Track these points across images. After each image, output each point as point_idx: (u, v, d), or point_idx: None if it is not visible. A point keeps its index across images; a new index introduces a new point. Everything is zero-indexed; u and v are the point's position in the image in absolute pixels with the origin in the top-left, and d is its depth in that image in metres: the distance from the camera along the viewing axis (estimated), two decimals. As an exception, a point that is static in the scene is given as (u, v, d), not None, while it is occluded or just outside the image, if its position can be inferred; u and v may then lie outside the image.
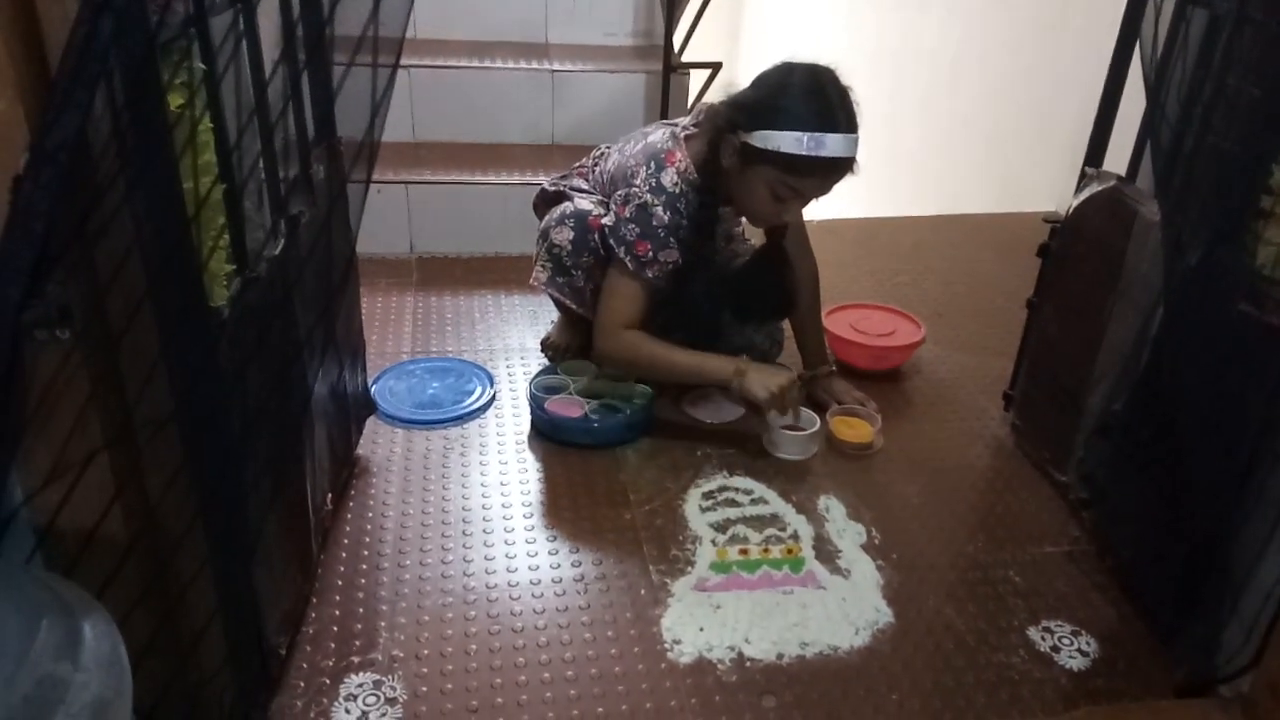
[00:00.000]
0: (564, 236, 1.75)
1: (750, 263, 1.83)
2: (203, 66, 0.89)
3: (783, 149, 1.54)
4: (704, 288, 1.73)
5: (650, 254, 1.66)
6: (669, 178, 1.65)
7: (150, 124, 0.73)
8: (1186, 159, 1.26)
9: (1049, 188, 2.99)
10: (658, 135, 1.71)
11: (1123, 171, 1.51)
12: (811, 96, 1.55)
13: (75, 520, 0.77)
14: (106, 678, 0.67)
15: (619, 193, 1.70)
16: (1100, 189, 1.52)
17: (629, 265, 1.67)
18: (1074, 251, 1.61)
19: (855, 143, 1.56)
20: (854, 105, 1.57)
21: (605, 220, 1.70)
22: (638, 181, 1.66)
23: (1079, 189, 1.58)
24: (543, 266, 1.80)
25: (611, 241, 1.68)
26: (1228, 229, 1.18)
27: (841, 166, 1.57)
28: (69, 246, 0.70)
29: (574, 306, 1.82)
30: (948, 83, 3.55)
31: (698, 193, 1.67)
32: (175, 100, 0.81)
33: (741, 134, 1.58)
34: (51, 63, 0.69)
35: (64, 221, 0.69)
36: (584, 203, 1.77)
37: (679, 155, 1.66)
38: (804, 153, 1.53)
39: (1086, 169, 1.58)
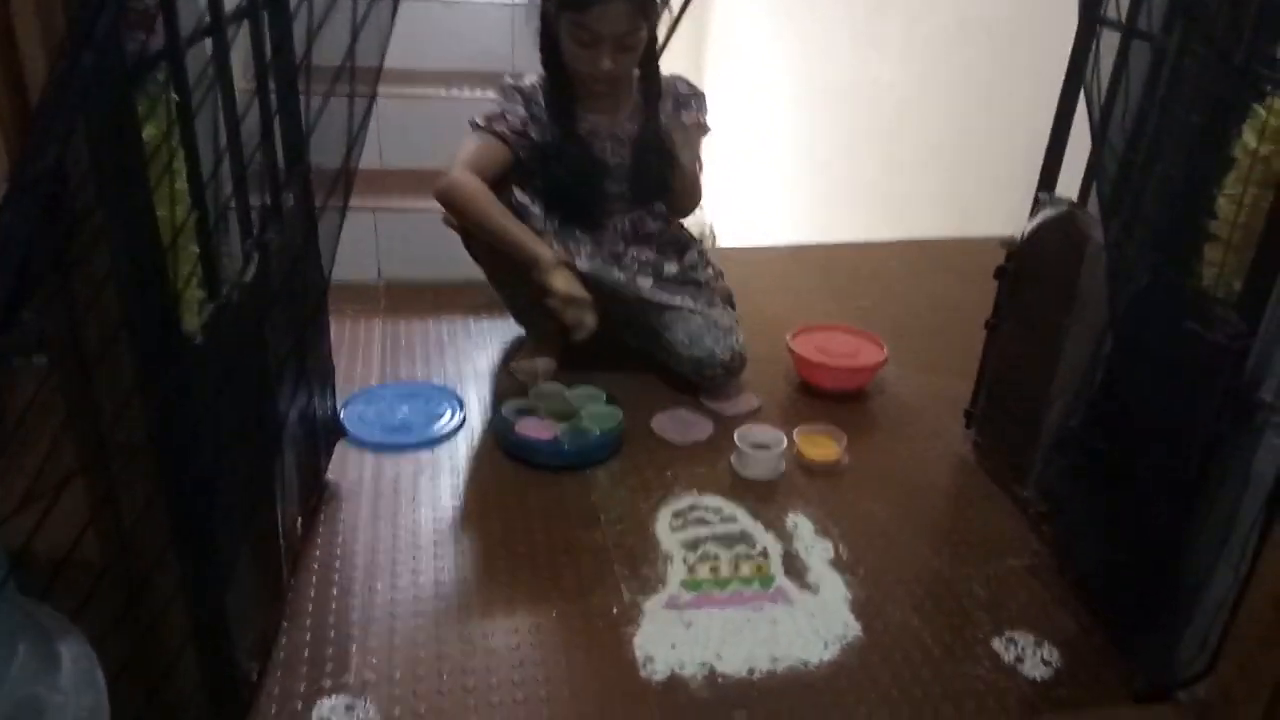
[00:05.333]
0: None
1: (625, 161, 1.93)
2: (176, 97, 0.91)
3: None
4: (575, 165, 1.86)
5: (498, 112, 1.83)
6: (525, 79, 1.87)
7: (127, 155, 0.75)
8: (1133, 186, 1.31)
9: (1006, 213, 3.05)
10: None
11: (1075, 196, 1.56)
12: None
13: (50, 545, 0.78)
14: (84, 699, 0.68)
15: None
16: (1053, 213, 1.57)
17: (477, 123, 1.83)
18: (1029, 274, 1.66)
19: None
20: None
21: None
22: None
23: (1033, 214, 1.63)
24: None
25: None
26: (1174, 251, 1.23)
27: (618, 3, 1.68)
28: (46, 274, 0.71)
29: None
30: (907, 113, 3.63)
31: (544, 65, 1.84)
32: (151, 130, 0.83)
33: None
34: (31, 94, 0.70)
35: (42, 250, 0.70)
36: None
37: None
38: None
39: (1040, 195, 1.63)
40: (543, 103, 1.87)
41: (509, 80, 1.89)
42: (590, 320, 1.81)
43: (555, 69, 1.84)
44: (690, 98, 1.96)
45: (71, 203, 0.72)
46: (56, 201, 0.70)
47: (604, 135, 1.91)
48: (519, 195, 1.83)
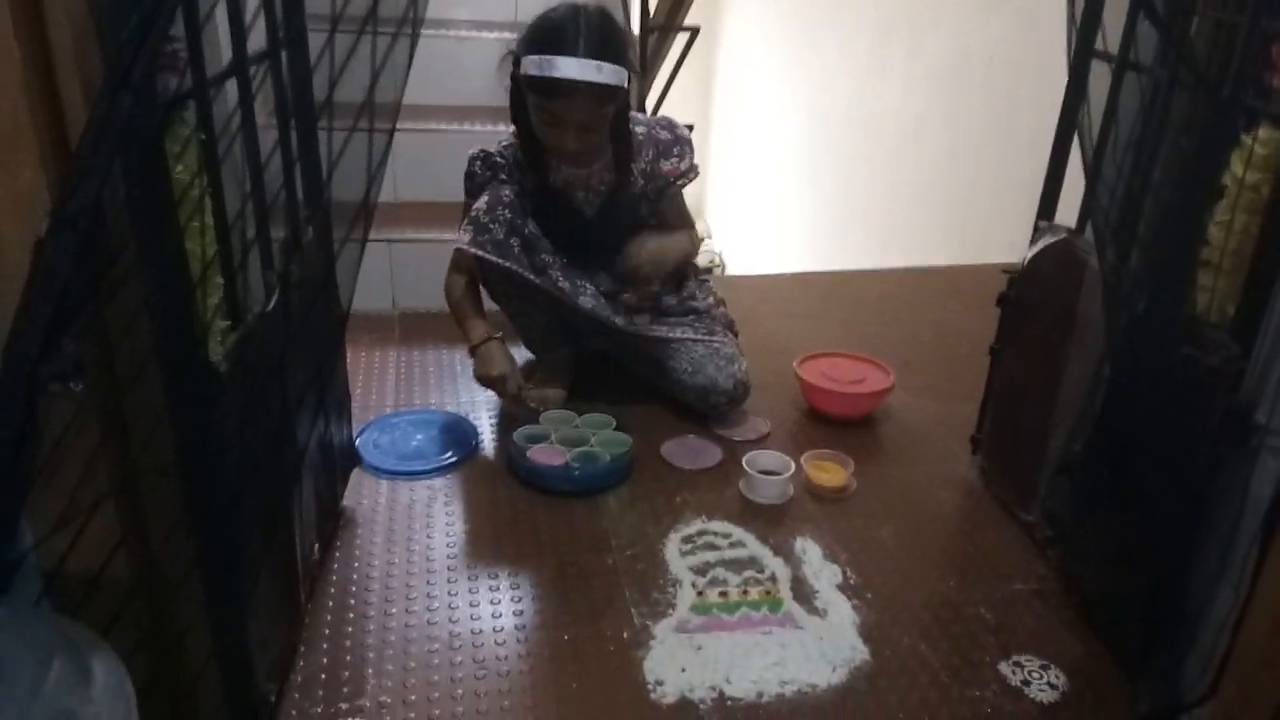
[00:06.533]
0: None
1: (599, 212, 1.96)
2: (202, 136, 0.95)
3: (528, 72, 1.70)
4: (551, 215, 1.91)
5: (466, 178, 1.94)
6: (499, 141, 1.94)
7: (160, 193, 0.79)
8: (1126, 214, 1.34)
9: (1009, 240, 3.10)
10: None
11: (1074, 223, 1.59)
12: (554, 23, 1.70)
13: (82, 564, 0.81)
14: (116, 711, 0.71)
15: None
16: (1052, 240, 1.61)
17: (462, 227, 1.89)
18: (1031, 301, 1.69)
19: (595, 68, 1.68)
20: (613, 36, 1.72)
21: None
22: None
23: (1033, 241, 1.66)
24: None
25: None
26: (1169, 278, 1.26)
27: (581, 90, 1.69)
28: (84, 305, 0.75)
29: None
30: (912, 142, 3.69)
31: (514, 122, 1.87)
32: (181, 170, 0.87)
33: (515, 68, 1.75)
34: (71, 135, 0.75)
35: (80, 281, 0.74)
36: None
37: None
38: (538, 74, 1.68)
39: (1039, 223, 1.66)
40: (509, 158, 1.92)
41: (472, 151, 1.95)
42: (514, 400, 1.91)
43: (524, 127, 1.85)
44: (673, 145, 1.94)
45: (107, 238, 0.76)
46: (94, 236, 0.74)
47: (578, 186, 1.93)
48: (531, 227, 1.88)
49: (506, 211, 1.85)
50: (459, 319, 1.97)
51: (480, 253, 1.83)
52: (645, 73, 2.70)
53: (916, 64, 3.65)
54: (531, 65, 1.69)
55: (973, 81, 3.31)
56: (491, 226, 1.83)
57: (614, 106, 1.79)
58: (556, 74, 1.67)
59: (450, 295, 1.98)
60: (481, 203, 1.87)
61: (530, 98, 1.76)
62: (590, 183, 1.93)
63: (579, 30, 1.68)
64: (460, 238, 1.86)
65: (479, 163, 1.93)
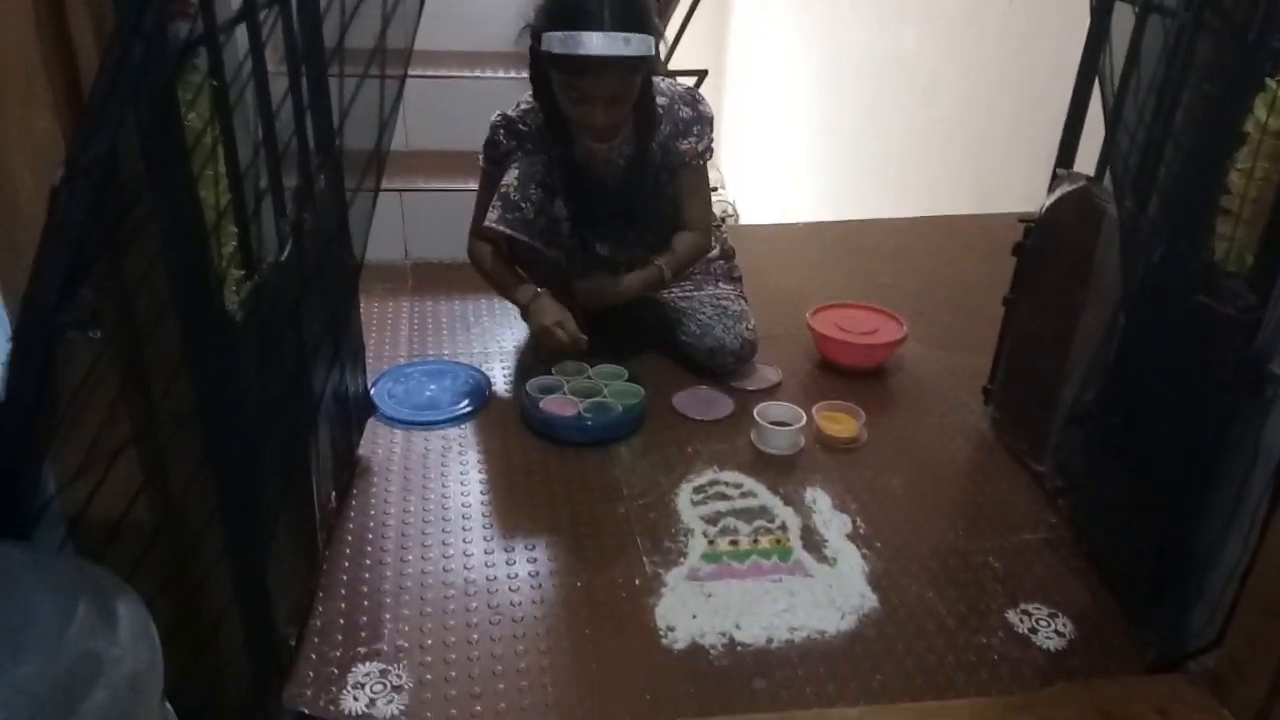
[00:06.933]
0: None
1: (621, 180, 1.92)
2: (214, 83, 0.95)
3: (552, 50, 1.63)
4: (572, 187, 1.87)
5: (483, 142, 1.90)
6: (519, 104, 1.88)
7: (173, 142, 0.79)
8: (1146, 161, 1.33)
9: (1025, 189, 3.06)
10: None
11: (1092, 172, 1.58)
12: None
13: (104, 510, 0.82)
14: (140, 653, 0.72)
15: None
16: (1070, 189, 1.59)
17: (479, 160, 1.90)
18: (1047, 250, 1.68)
19: (623, 41, 1.61)
20: (638, 5, 1.64)
21: None
22: None
23: (1050, 190, 1.64)
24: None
25: None
26: (1188, 225, 1.25)
27: (609, 65, 1.63)
28: (100, 254, 0.76)
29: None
30: (926, 90, 3.63)
31: (535, 96, 1.82)
32: (193, 118, 0.87)
33: (536, 42, 1.68)
34: (84, 83, 0.74)
35: (96, 230, 0.74)
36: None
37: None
38: (563, 51, 1.61)
39: (1057, 170, 1.64)
40: (531, 125, 1.86)
41: (495, 117, 1.90)
42: (571, 344, 1.87)
43: (547, 100, 1.79)
44: (693, 122, 1.89)
45: (122, 187, 0.76)
46: (108, 185, 0.74)
47: (600, 158, 1.89)
48: (558, 206, 1.86)
49: (539, 191, 1.82)
50: (500, 285, 1.97)
51: (510, 231, 1.82)
52: (663, 17, 2.66)
53: (933, 10, 3.58)
54: (555, 42, 1.62)
55: (990, 26, 3.25)
56: (523, 205, 1.81)
57: (642, 75, 1.74)
58: (582, 51, 1.60)
59: (481, 264, 1.97)
60: (512, 178, 1.83)
61: (554, 74, 1.70)
62: (611, 155, 1.89)
63: (601, 1, 1.61)
64: (489, 214, 1.83)
65: (502, 130, 1.88)
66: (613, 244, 1.98)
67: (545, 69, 1.72)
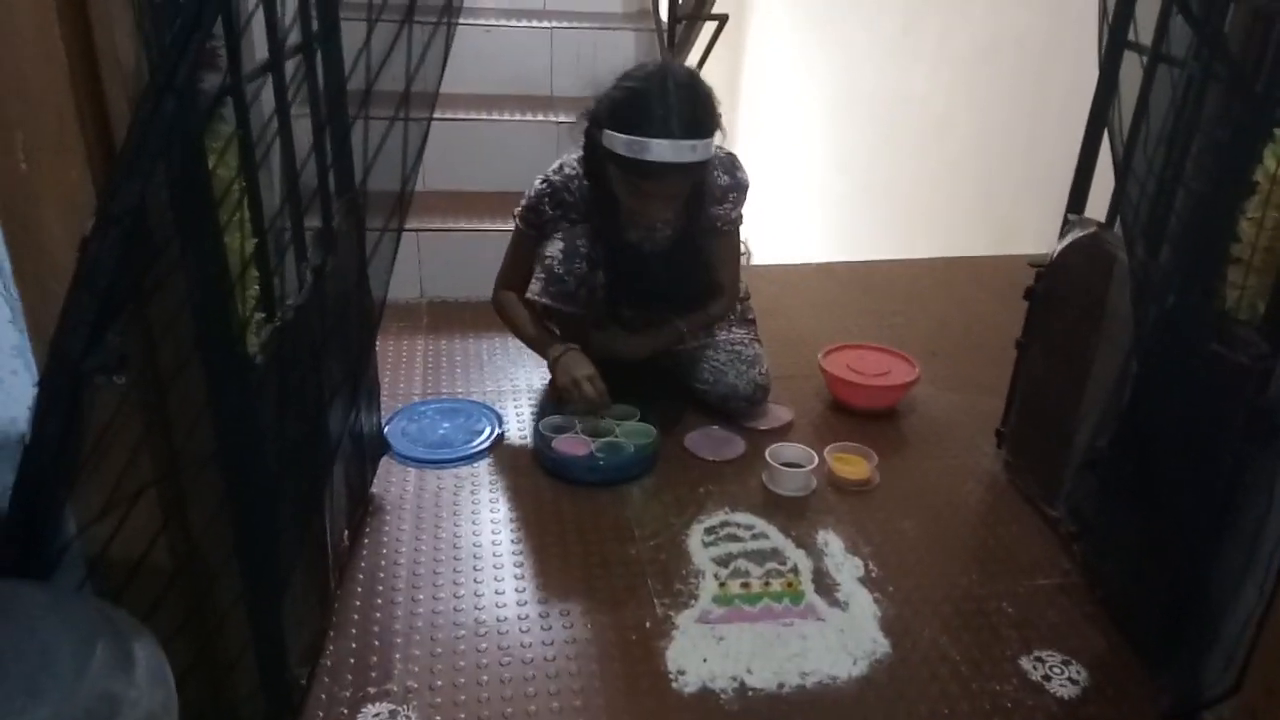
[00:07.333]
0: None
1: (663, 252, 1.91)
2: (241, 133, 0.97)
3: (615, 150, 1.62)
4: (615, 262, 1.85)
5: (524, 205, 1.87)
6: (562, 167, 1.85)
7: (201, 192, 0.81)
8: (1156, 209, 1.34)
9: (1036, 230, 3.07)
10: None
11: (1103, 217, 1.58)
12: (647, 99, 1.61)
13: (124, 551, 0.84)
14: (156, 694, 0.73)
15: None
16: (1082, 234, 1.60)
17: (515, 216, 1.88)
18: (1059, 294, 1.68)
19: (690, 149, 1.61)
20: (706, 109, 1.63)
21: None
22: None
23: (1062, 234, 1.65)
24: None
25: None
26: (1199, 274, 1.25)
27: (676, 170, 1.62)
28: (127, 301, 0.77)
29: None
30: (938, 130, 3.66)
31: (588, 177, 1.80)
32: (222, 171, 0.89)
33: (597, 131, 1.67)
34: (115, 134, 0.77)
35: (124, 278, 0.76)
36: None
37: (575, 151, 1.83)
38: (630, 155, 1.60)
39: (1069, 215, 1.65)
40: (577, 194, 1.84)
41: (539, 183, 1.87)
42: (599, 400, 1.86)
43: (601, 183, 1.78)
44: (729, 190, 1.87)
45: (150, 236, 0.78)
46: (137, 234, 0.76)
47: (643, 227, 1.88)
48: (600, 278, 1.86)
49: (583, 265, 1.82)
50: (531, 340, 1.97)
51: (552, 304, 1.84)
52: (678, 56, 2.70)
53: (945, 50, 3.62)
54: (620, 145, 1.62)
55: (1002, 68, 3.28)
56: (566, 279, 1.82)
57: (704, 172, 1.74)
58: (650, 157, 1.60)
59: (515, 322, 1.97)
60: (556, 250, 1.83)
61: (616, 171, 1.69)
62: (656, 231, 1.90)
63: (670, 108, 1.60)
64: (532, 286, 1.84)
65: (548, 199, 1.85)
66: (640, 307, 1.98)
67: (599, 154, 1.71)
